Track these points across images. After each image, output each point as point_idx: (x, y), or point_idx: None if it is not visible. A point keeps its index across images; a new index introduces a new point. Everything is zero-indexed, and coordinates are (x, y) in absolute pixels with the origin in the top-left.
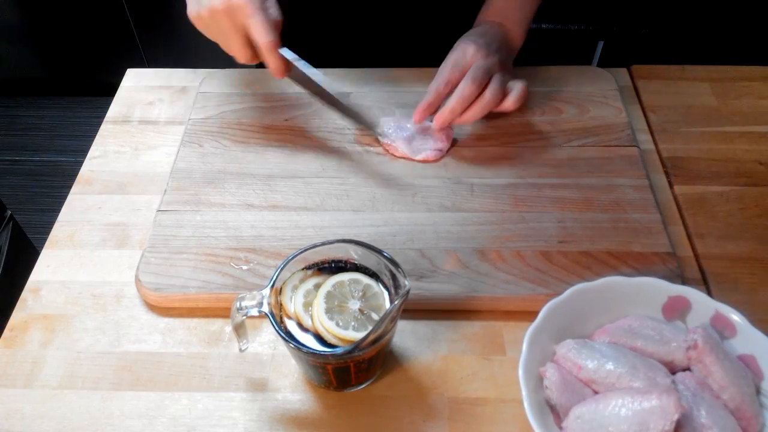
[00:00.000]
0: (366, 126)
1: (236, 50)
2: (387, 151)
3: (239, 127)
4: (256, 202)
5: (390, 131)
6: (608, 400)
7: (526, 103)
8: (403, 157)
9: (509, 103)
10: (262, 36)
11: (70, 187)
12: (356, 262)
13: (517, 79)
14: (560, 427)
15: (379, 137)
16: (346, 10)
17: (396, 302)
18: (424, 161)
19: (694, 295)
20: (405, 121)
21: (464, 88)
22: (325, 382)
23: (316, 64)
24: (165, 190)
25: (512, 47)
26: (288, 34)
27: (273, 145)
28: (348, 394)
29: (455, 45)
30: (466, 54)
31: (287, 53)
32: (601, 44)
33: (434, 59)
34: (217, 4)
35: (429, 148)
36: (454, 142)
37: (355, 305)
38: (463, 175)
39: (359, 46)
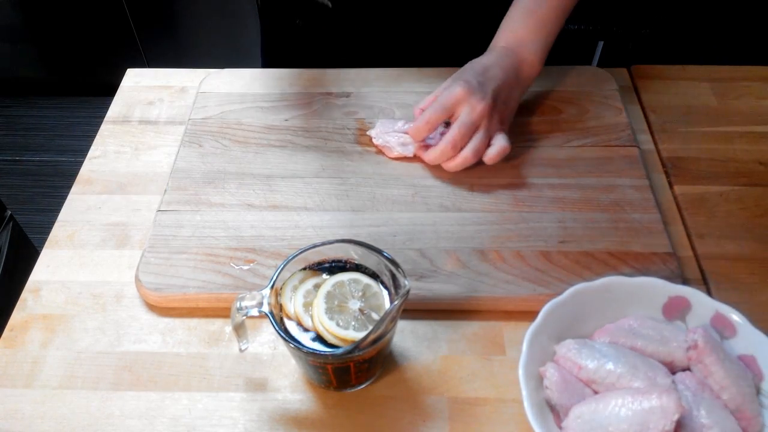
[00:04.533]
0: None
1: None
2: (382, 152)
3: (239, 127)
4: (256, 202)
5: (383, 132)
6: (608, 400)
7: (526, 104)
8: (400, 158)
9: (487, 159)
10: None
11: (70, 187)
12: (356, 262)
13: (501, 133)
14: (560, 427)
15: (373, 139)
16: (347, 11)
17: (396, 302)
18: (417, 156)
19: (694, 295)
20: (395, 123)
21: (443, 149)
22: (325, 382)
23: (317, 63)
24: (165, 190)
25: (523, 78)
26: (289, 35)
27: (273, 145)
28: (348, 394)
29: (454, 77)
30: (452, 96)
31: None
32: (601, 44)
33: (435, 59)
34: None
35: (410, 147)
36: None
37: (355, 305)
38: (463, 175)
39: (360, 45)
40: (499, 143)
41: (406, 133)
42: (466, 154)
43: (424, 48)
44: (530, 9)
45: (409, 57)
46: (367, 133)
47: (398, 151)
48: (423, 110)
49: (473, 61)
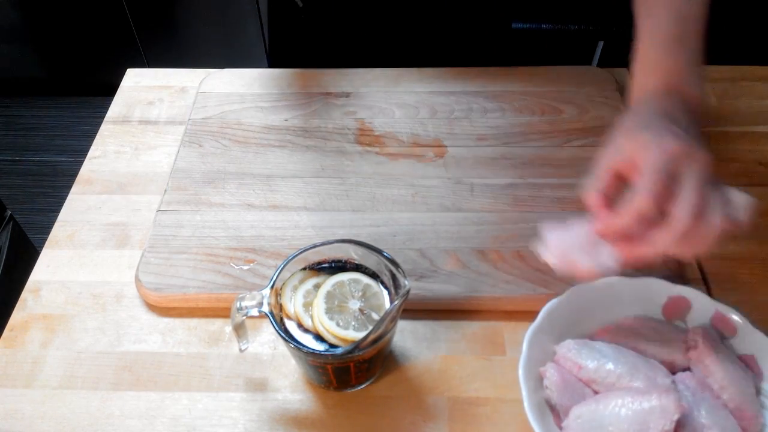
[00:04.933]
0: None
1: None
2: (564, 269)
3: (239, 127)
4: (256, 202)
5: (562, 249)
6: (608, 400)
7: (526, 103)
8: (588, 274)
9: (741, 221)
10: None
11: (70, 187)
12: (356, 262)
13: (730, 188)
14: (560, 427)
15: (547, 259)
16: (347, 10)
17: (396, 302)
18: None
19: (694, 295)
20: (567, 230)
21: (686, 224)
22: (325, 382)
23: (318, 63)
24: (165, 190)
25: (697, 117)
26: (288, 35)
27: (273, 145)
28: (348, 394)
29: (638, 132)
30: (669, 154)
31: None
32: (601, 44)
33: (435, 59)
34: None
35: (607, 253)
36: None
37: (355, 305)
38: (463, 175)
39: (360, 45)
40: (742, 198)
41: (601, 236)
42: (721, 223)
43: (423, 48)
44: (674, 37)
45: (408, 57)
46: (538, 252)
47: (593, 265)
48: (605, 195)
49: (639, 110)
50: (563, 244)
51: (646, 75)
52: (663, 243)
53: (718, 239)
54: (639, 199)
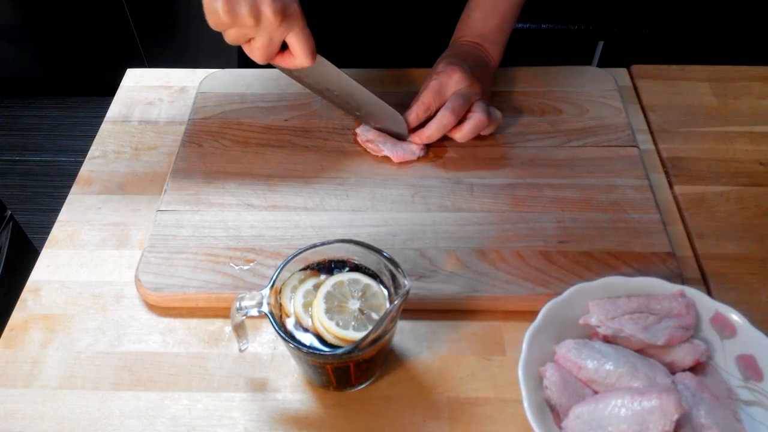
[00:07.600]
0: (391, 124)
1: (265, 53)
2: (368, 150)
3: (239, 127)
4: (256, 202)
5: (370, 131)
6: (608, 400)
7: (526, 104)
8: (381, 155)
9: (488, 130)
10: (309, 51)
11: (70, 187)
12: (356, 262)
13: (493, 107)
14: (560, 427)
15: (359, 137)
16: (346, 11)
17: (396, 302)
18: (402, 162)
19: (694, 295)
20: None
21: (443, 118)
22: (325, 382)
23: None
24: (165, 190)
25: (490, 69)
26: None
27: (273, 145)
28: (348, 394)
29: (438, 66)
30: (450, 80)
31: None
32: (601, 44)
33: (434, 60)
34: (268, 10)
35: (404, 149)
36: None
37: (354, 305)
38: (463, 175)
39: (359, 46)
40: (497, 114)
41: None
42: (479, 116)
43: (423, 48)
44: (492, 9)
45: (407, 57)
46: (362, 142)
47: (383, 150)
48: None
49: (447, 54)
50: (370, 131)
51: (463, 31)
52: (429, 133)
53: (480, 125)
54: (416, 108)
